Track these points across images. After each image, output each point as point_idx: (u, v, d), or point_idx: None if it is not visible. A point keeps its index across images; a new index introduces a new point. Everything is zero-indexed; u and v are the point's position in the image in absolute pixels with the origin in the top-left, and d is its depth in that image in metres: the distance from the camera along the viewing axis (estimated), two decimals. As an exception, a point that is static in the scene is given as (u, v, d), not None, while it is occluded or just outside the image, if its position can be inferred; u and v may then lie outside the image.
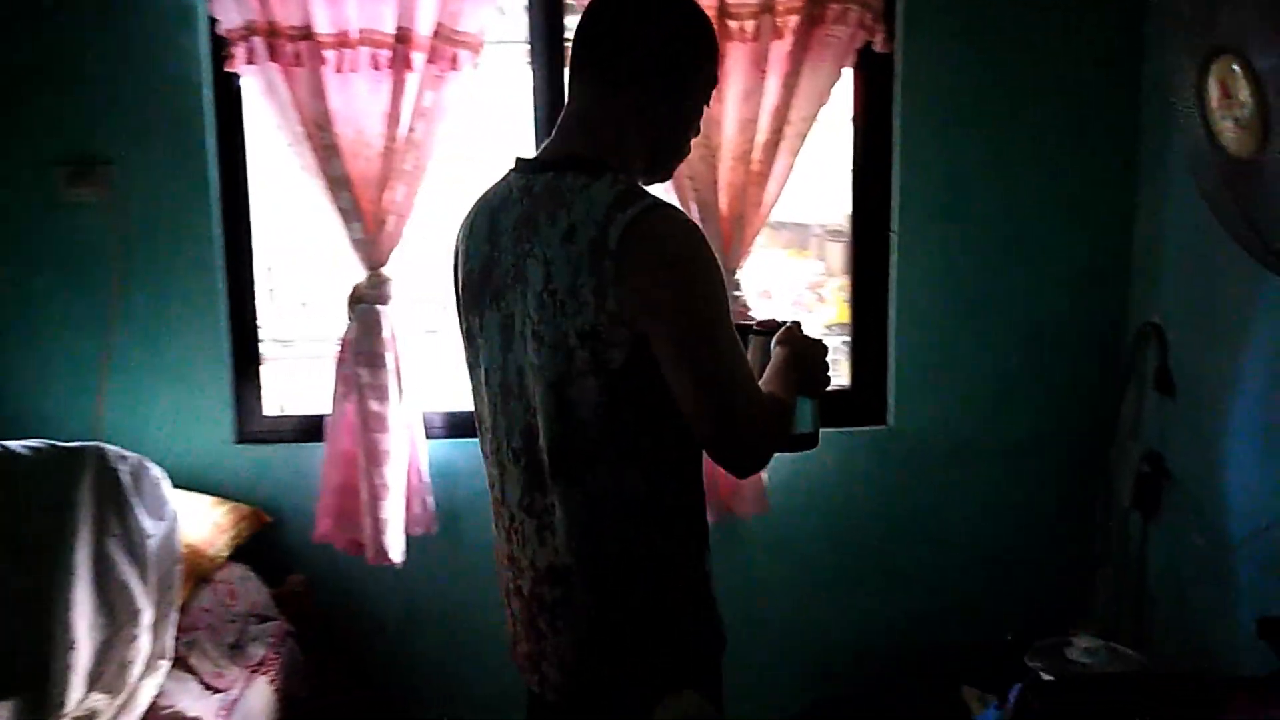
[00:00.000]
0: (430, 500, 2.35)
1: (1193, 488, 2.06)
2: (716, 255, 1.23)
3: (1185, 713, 1.44)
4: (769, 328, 1.38)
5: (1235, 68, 1.40)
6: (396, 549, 2.26)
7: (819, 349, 1.38)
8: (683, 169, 2.13)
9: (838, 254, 3.00)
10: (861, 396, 2.46)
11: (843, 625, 2.49)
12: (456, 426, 2.44)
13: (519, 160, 1.32)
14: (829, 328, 2.88)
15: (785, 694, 2.46)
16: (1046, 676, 1.79)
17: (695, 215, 2.21)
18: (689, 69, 1.30)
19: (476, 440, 1.56)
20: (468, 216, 1.37)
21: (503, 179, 1.34)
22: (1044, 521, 2.46)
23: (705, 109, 1.35)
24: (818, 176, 2.54)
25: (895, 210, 2.36)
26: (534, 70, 2.32)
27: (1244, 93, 1.38)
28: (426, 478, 2.35)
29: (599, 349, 1.18)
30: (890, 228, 2.38)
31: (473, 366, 1.37)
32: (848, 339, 2.50)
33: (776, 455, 1.28)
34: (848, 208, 2.45)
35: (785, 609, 2.47)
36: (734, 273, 2.28)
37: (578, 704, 1.32)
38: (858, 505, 2.34)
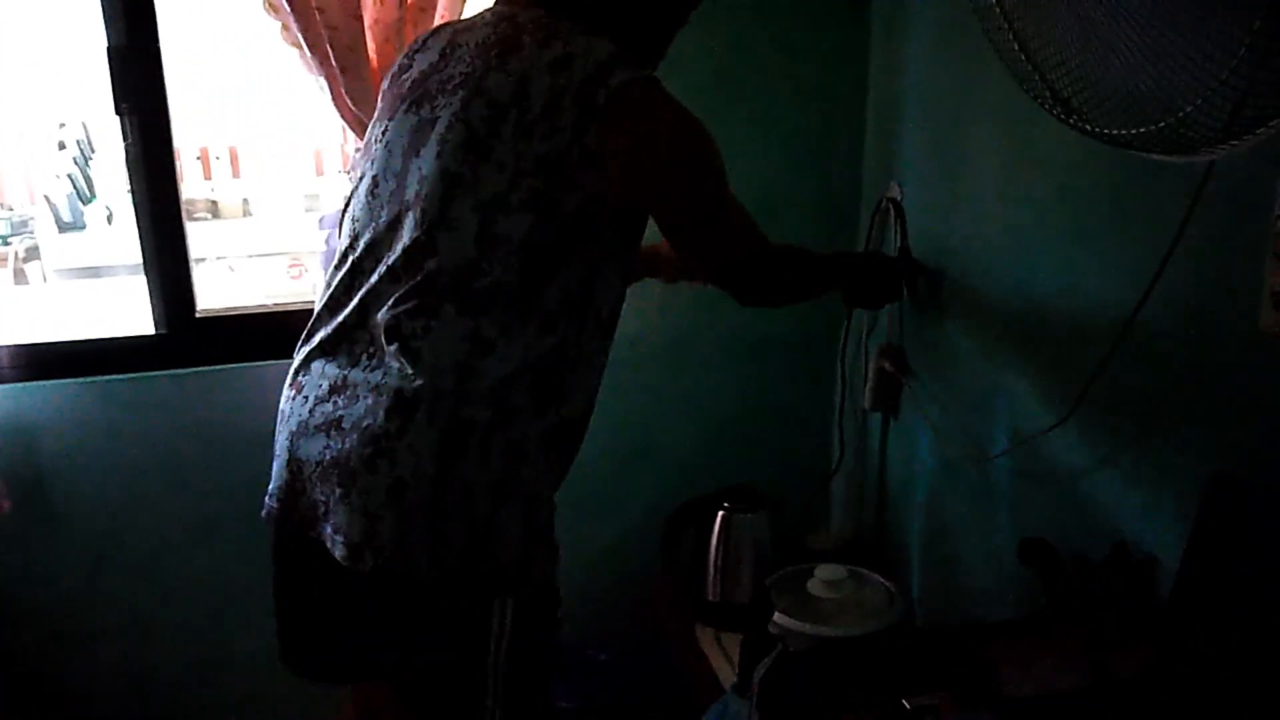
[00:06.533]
0: (-9, 469, 1.73)
1: (934, 386, 1.82)
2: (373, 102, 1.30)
3: (948, 671, 1.20)
4: None
5: None
6: (-68, 545, 1.62)
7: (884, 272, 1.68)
8: (313, 2, 1.63)
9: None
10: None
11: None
12: (31, 365, 1.82)
13: None
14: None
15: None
16: (790, 625, 1.52)
17: (334, 64, 1.65)
18: None
19: (63, 380, 1.66)
20: (423, 35, 1.32)
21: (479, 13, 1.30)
22: (777, 428, 2.20)
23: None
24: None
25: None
26: None
27: None
28: (-19, 440, 1.71)
29: (555, 182, 1.12)
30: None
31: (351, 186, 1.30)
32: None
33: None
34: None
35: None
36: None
37: (384, 559, 1.16)
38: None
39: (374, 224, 1.22)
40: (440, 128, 1.17)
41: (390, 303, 1.18)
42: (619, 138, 1.13)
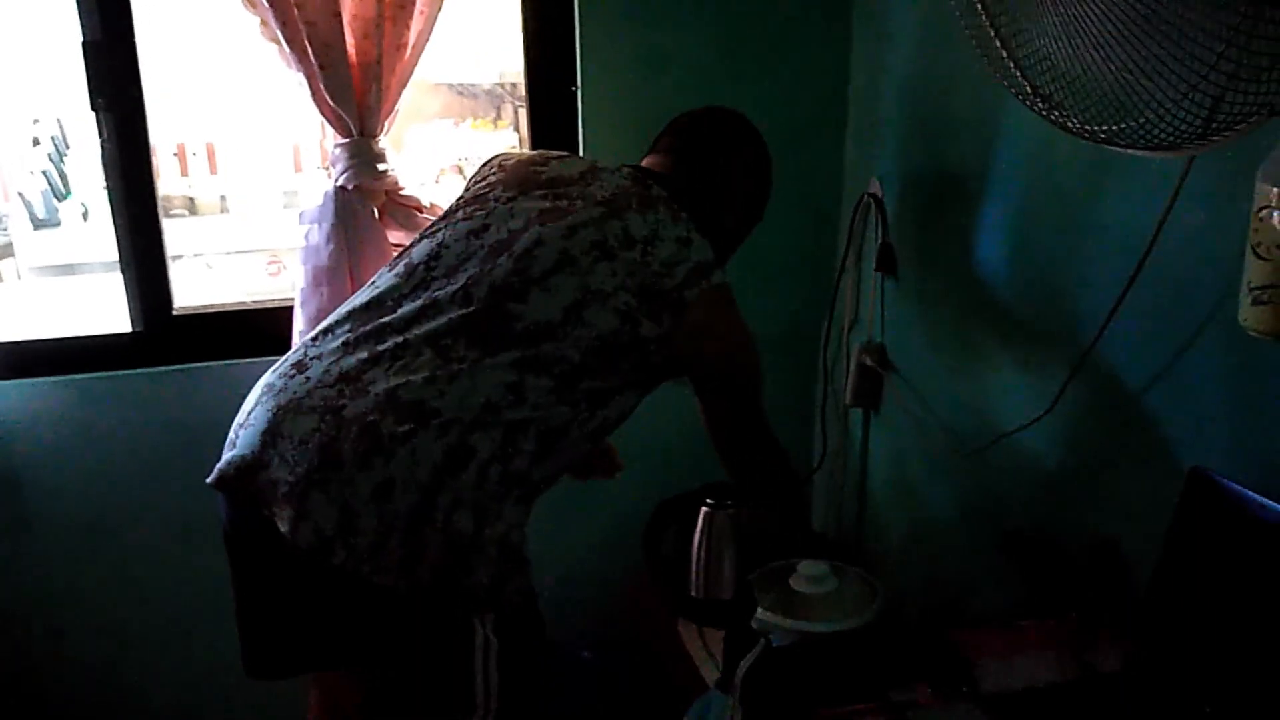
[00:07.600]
0: (-32, 469, 1.71)
1: (916, 381, 1.83)
2: (350, 118, 1.59)
3: (930, 665, 1.20)
4: None
5: None
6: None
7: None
8: (292, -2, 1.61)
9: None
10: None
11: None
12: (6, 363, 1.80)
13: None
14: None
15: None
16: (774, 627, 1.53)
17: (313, 61, 1.64)
18: (762, 206, 1.66)
19: (38, 379, 1.71)
20: (560, 153, 1.57)
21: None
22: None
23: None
24: (484, 19, 2.05)
25: (579, 62, 1.92)
26: None
27: None
28: (-43, 439, 1.69)
29: (645, 308, 1.31)
30: (573, 84, 1.94)
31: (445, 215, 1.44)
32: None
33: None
34: (520, 60, 1.97)
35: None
36: (375, 140, 1.74)
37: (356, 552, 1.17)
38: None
39: (467, 255, 1.33)
40: (575, 219, 1.34)
41: (449, 321, 1.26)
42: (707, 309, 1.35)
